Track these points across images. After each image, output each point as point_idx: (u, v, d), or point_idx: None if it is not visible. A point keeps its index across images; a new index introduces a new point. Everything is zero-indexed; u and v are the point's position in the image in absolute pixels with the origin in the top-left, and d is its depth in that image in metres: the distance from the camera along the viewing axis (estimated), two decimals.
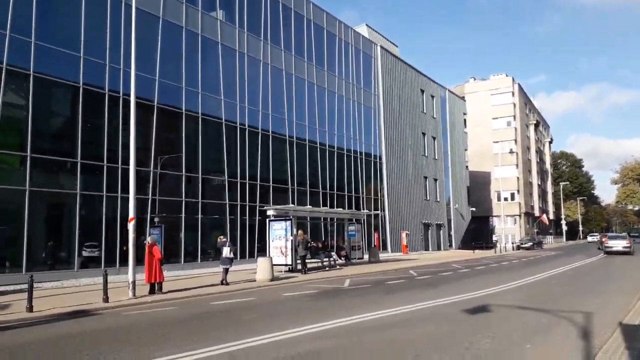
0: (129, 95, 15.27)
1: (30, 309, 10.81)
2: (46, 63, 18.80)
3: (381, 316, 9.98)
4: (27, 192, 17.66)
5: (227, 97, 26.22)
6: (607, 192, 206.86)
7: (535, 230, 69.58)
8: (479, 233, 57.38)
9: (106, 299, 12.21)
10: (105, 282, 12.44)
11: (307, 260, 20.98)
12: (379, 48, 40.91)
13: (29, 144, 17.87)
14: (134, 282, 13.21)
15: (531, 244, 51.07)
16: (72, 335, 8.60)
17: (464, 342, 7.51)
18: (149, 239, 14.53)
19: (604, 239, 42.74)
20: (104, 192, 20.17)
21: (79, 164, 19.41)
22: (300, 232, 21.01)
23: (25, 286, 11.38)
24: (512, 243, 53.97)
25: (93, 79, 20.23)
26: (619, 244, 37.26)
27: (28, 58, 18.11)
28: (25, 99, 18.19)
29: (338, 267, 24.07)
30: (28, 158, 17.82)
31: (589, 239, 75.32)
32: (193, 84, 24.51)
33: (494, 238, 51.80)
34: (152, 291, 13.97)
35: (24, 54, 18.05)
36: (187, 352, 7.06)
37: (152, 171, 22.08)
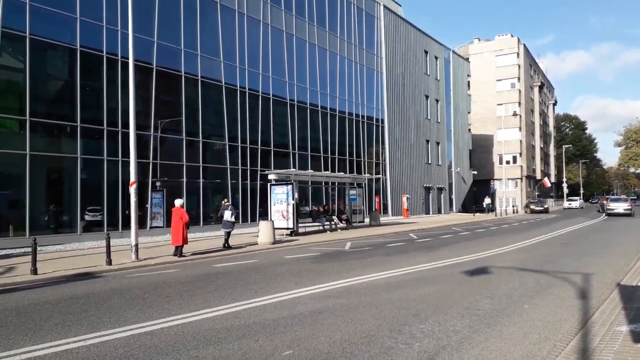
0: (127, 57, 15.01)
1: (34, 271, 10.93)
2: (42, 25, 18.38)
3: (382, 277, 10.10)
4: (27, 157, 17.60)
5: (226, 60, 25.77)
6: (610, 155, 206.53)
7: (537, 194, 69.70)
8: (480, 196, 57.57)
9: (109, 262, 12.33)
10: (108, 245, 12.53)
11: (309, 224, 21.45)
12: (381, 7, 39.89)
13: (27, 107, 17.68)
14: (136, 245, 13.31)
15: (544, 207, 47.56)
16: (78, 296, 8.72)
17: (463, 302, 7.61)
18: (176, 203, 14.43)
19: (605, 202, 43.12)
20: (105, 156, 20.11)
21: (78, 127, 19.27)
22: None
23: (29, 249, 11.47)
24: (513, 206, 54.05)
25: (90, 41, 19.82)
26: (620, 207, 37.76)
27: (24, 20, 17.70)
28: (22, 62, 17.88)
29: (339, 230, 24.25)
30: (27, 122, 17.68)
31: (566, 204, 62.63)
32: (192, 46, 24.04)
33: (485, 202, 47.42)
34: (180, 253, 13.98)
35: (20, 15, 17.63)
36: (192, 312, 7.18)
37: (152, 135, 21.94)
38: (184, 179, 23.40)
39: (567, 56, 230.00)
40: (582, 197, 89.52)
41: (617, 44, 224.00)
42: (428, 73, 46.53)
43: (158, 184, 21.90)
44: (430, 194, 46.06)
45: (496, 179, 63.69)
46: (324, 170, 30.91)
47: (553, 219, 35.57)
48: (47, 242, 17.13)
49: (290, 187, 21.15)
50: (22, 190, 17.58)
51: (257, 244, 17.46)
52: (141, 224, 18.66)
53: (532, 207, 47.89)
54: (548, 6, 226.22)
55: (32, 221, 17.73)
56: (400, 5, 47.55)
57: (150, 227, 21.66)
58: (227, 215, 16.33)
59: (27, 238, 16.17)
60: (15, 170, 17.75)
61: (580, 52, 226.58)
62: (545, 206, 48.74)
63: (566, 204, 63.17)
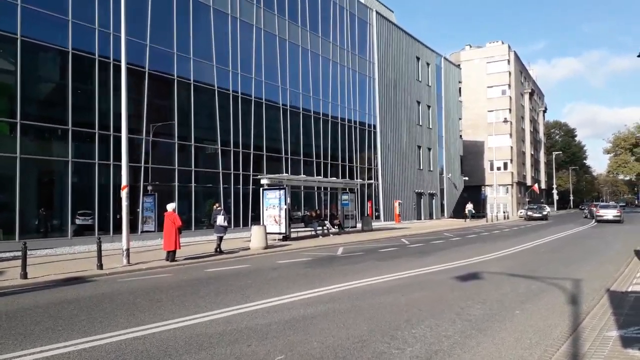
0: (119, 60, 14.96)
1: (24, 275, 10.83)
2: (34, 27, 18.29)
3: (373, 283, 10.11)
4: (18, 160, 17.46)
5: (219, 64, 25.77)
6: (599, 162, 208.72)
7: (527, 200, 70.18)
8: (471, 202, 57.79)
9: (100, 266, 12.25)
10: (99, 250, 12.45)
11: (301, 229, 21.54)
12: (374, 13, 40.14)
13: (18, 110, 17.56)
14: (128, 250, 13.23)
15: (543, 214, 43.99)
16: (68, 301, 8.65)
17: (455, 308, 7.64)
18: (168, 207, 14.27)
19: (593, 208, 43.53)
20: (96, 160, 19.99)
21: (70, 131, 19.15)
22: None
23: (19, 253, 11.37)
24: (504, 212, 54.30)
25: (82, 44, 19.76)
26: (609, 213, 38.15)
27: (15, 21, 17.59)
28: (13, 65, 17.77)
29: (331, 235, 24.26)
30: (18, 125, 17.55)
31: (522, 212, 50.26)
32: (185, 50, 24.01)
33: (467, 208, 42.98)
34: (172, 258, 13.86)
35: (11, 16, 17.52)
36: (184, 317, 7.15)
37: (144, 139, 21.85)
38: (176, 183, 23.30)
39: (558, 62, 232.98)
40: (572, 203, 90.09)
41: (607, 51, 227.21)
42: (420, 79, 46.81)
43: (150, 188, 21.80)
44: (422, 200, 46.23)
45: (487, 185, 64.03)
46: (317, 175, 30.92)
47: (543, 225, 35.83)
48: (37, 246, 16.95)
49: (282, 192, 21.14)
50: (12, 194, 17.42)
51: (249, 248, 17.41)
52: (132, 228, 18.53)
53: (530, 213, 44.42)
54: (540, 12, 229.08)
55: (22, 225, 17.57)
56: (392, 11, 47.90)
57: (142, 232, 21.54)
58: (220, 219, 16.28)
59: (17, 242, 16.03)
60: (6, 173, 17.58)
61: (571, 59, 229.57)
62: (545, 213, 45.28)
63: (522, 211, 51.47)
